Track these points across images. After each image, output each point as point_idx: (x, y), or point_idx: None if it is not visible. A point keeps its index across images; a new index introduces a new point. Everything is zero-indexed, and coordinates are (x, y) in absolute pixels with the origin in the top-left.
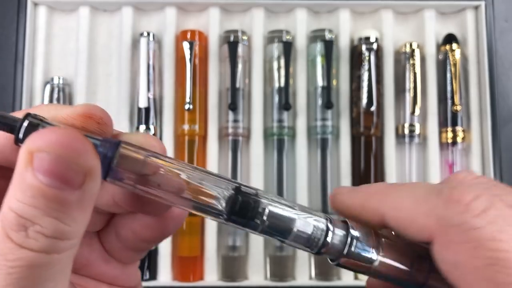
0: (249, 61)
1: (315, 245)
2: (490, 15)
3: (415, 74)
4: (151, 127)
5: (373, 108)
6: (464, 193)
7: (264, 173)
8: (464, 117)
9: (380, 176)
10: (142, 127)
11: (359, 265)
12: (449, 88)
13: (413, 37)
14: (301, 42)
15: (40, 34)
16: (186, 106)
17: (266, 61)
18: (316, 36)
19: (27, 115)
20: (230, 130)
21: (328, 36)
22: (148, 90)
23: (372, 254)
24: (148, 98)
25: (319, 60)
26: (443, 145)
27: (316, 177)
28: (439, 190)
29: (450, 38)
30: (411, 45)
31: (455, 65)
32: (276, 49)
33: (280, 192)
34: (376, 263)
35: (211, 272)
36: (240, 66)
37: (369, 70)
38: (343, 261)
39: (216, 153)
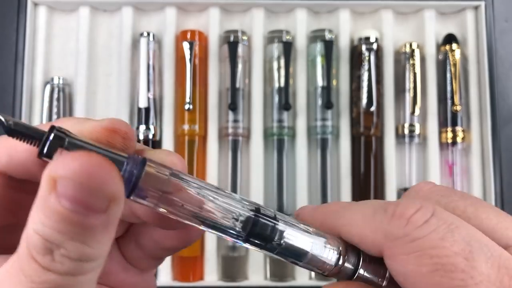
0: (249, 61)
1: (328, 268)
2: (490, 15)
3: (415, 74)
4: (151, 127)
5: (373, 108)
6: (407, 207)
7: (264, 173)
8: (464, 117)
9: (380, 176)
10: (142, 127)
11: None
12: (449, 88)
13: (413, 37)
14: (301, 42)
15: (40, 34)
16: (186, 106)
17: (266, 61)
18: (316, 36)
19: (52, 128)
20: (230, 130)
21: (328, 36)
22: (148, 90)
23: (379, 280)
24: (148, 98)
25: (319, 60)
26: (443, 145)
27: (316, 177)
28: (385, 208)
29: (450, 38)
30: (411, 45)
31: (455, 65)
32: (276, 49)
33: (280, 192)
34: (385, 284)
35: (211, 272)
36: (240, 66)
37: (369, 70)
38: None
39: (216, 153)
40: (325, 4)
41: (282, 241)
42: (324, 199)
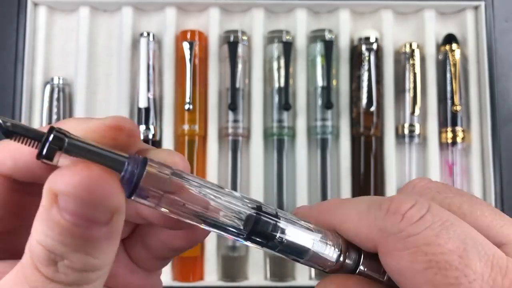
0: (249, 61)
1: (329, 265)
2: (490, 15)
3: (415, 74)
4: (151, 127)
5: (373, 108)
6: (402, 203)
7: (264, 173)
8: (464, 117)
9: (380, 176)
10: (142, 127)
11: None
12: (449, 88)
13: (413, 37)
14: (301, 42)
15: (40, 34)
16: (186, 106)
17: (266, 61)
18: (316, 36)
19: (52, 129)
20: (230, 130)
21: (328, 36)
22: (148, 90)
23: (380, 276)
24: (148, 98)
25: (319, 60)
26: (443, 145)
27: (316, 177)
28: (380, 203)
29: (450, 38)
30: (411, 45)
31: (455, 65)
32: (276, 49)
33: (280, 192)
34: (385, 279)
35: (211, 272)
36: (240, 66)
37: (369, 70)
38: None
39: (216, 153)
40: (325, 4)
41: (283, 239)
42: (324, 199)
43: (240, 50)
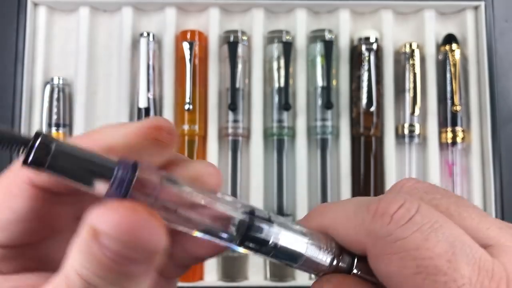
0: (249, 61)
1: (323, 269)
2: (490, 15)
3: (415, 74)
4: None
5: (373, 108)
6: (389, 204)
7: (264, 173)
8: (464, 117)
9: (380, 176)
10: None
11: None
12: (449, 88)
13: (413, 37)
14: (301, 42)
15: (40, 34)
16: (186, 106)
17: (266, 61)
18: (316, 36)
19: (38, 135)
20: (230, 130)
21: (328, 36)
22: (148, 90)
23: (375, 278)
24: (148, 98)
25: (319, 60)
26: (443, 145)
27: (316, 177)
28: (368, 204)
29: (450, 38)
30: (411, 45)
31: (455, 65)
32: (276, 49)
33: (280, 192)
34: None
35: (211, 272)
36: (240, 66)
37: (369, 70)
38: None
39: (216, 153)
40: (325, 4)
41: (277, 244)
42: (324, 199)
43: (240, 50)
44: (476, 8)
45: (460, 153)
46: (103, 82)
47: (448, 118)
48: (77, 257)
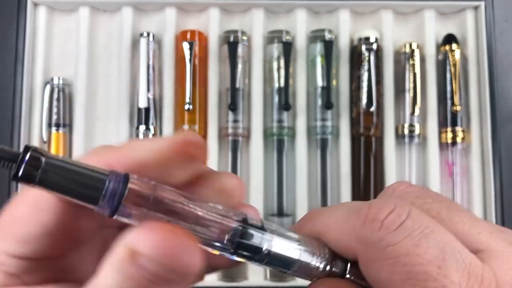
0: (249, 61)
1: (316, 275)
2: (490, 15)
3: (415, 74)
4: (151, 127)
5: (373, 108)
6: (380, 209)
7: (264, 173)
8: (464, 117)
9: (380, 176)
10: (142, 128)
11: None
12: (449, 88)
13: (413, 37)
14: (301, 42)
15: (40, 34)
16: (186, 106)
17: (266, 61)
18: (316, 36)
19: (27, 149)
20: (230, 130)
21: (328, 36)
22: (148, 90)
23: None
24: (148, 98)
25: (319, 60)
26: (443, 145)
27: (316, 177)
28: (358, 209)
29: (450, 38)
30: (411, 45)
31: (455, 65)
32: (276, 49)
33: (280, 192)
34: None
35: None
36: (240, 66)
37: (369, 70)
38: None
39: (216, 153)
40: (325, 4)
41: (270, 251)
42: (324, 199)
43: (240, 50)
44: (476, 8)
45: (460, 153)
46: (103, 82)
47: (448, 118)
48: (111, 275)
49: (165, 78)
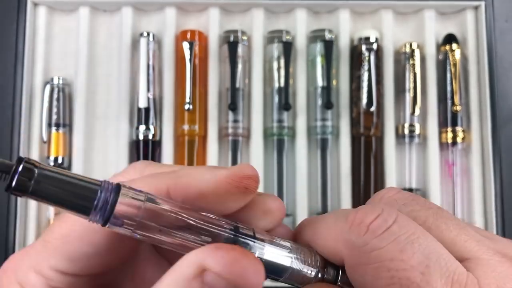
0: (249, 61)
1: (307, 282)
2: (490, 15)
3: (415, 74)
4: (151, 127)
5: (373, 108)
6: (367, 214)
7: (264, 173)
8: (464, 117)
9: (380, 176)
10: (142, 127)
11: None
12: (449, 88)
13: (413, 37)
14: (301, 42)
15: (40, 34)
16: (186, 106)
17: (266, 61)
18: (316, 36)
19: (20, 160)
20: (230, 130)
21: (328, 36)
22: (148, 90)
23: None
24: (148, 98)
25: (319, 60)
26: (443, 145)
27: (316, 177)
28: (346, 215)
29: (450, 38)
30: (411, 45)
31: (455, 65)
32: (276, 49)
33: (280, 192)
34: None
35: None
36: (240, 66)
37: (369, 70)
38: None
39: (216, 154)
40: (325, 4)
41: (262, 259)
42: (324, 199)
43: (240, 50)
44: (476, 8)
45: (460, 153)
46: (103, 82)
47: (448, 118)
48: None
49: (165, 78)
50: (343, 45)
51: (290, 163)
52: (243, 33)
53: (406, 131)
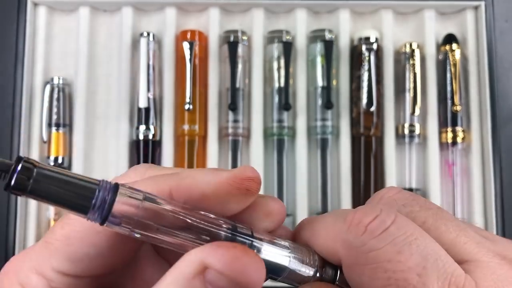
0: (249, 61)
1: (306, 281)
2: (490, 15)
3: (415, 74)
4: (151, 127)
5: (373, 108)
6: (365, 214)
7: (264, 173)
8: (464, 117)
9: (380, 176)
10: (142, 127)
11: None
12: (449, 88)
13: (413, 37)
14: (301, 42)
15: (40, 34)
16: (186, 106)
17: (266, 61)
18: (316, 36)
19: (19, 159)
20: (230, 130)
21: (328, 36)
22: (148, 90)
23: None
24: (148, 98)
25: (319, 60)
26: (443, 145)
27: (316, 177)
28: (345, 215)
29: (450, 38)
30: (411, 45)
31: (455, 65)
32: (276, 49)
33: (280, 192)
34: None
35: None
36: (240, 66)
37: (369, 70)
38: None
39: (216, 153)
40: (325, 4)
41: (261, 257)
42: (324, 199)
43: (240, 50)
44: (476, 8)
45: (460, 153)
46: (103, 82)
47: (448, 118)
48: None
49: (165, 78)
50: (343, 45)
51: (290, 163)
52: (243, 33)
53: (406, 131)
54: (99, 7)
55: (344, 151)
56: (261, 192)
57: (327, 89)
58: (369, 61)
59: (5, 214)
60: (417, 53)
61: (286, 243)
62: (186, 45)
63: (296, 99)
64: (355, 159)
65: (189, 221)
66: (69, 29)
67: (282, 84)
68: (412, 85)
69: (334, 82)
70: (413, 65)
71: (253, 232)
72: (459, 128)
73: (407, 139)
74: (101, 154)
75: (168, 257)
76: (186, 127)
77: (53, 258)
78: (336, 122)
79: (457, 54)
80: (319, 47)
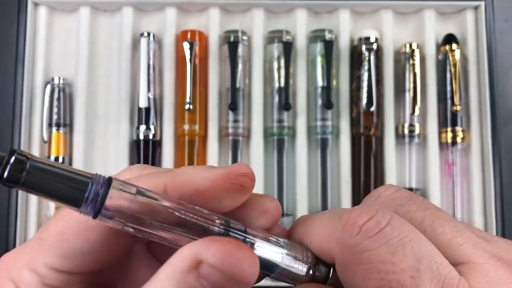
0: (249, 61)
1: (299, 279)
2: (490, 15)
3: (415, 74)
4: (151, 127)
5: (373, 108)
6: (361, 214)
7: (264, 173)
8: (464, 117)
9: (380, 176)
10: (142, 127)
11: None
12: (449, 88)
13: (413, 37)
14: (301, 42)
15: (41, 34)
16: (186, 106)
17: (266, 61)
18: (316, 36)
19: (13, 151)
20: (230, 130)
21: (328, 36)
22: (148, 90)
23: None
24: (148, 98)
25: (319, 60)
26: (443, 145)
27: (316, 177)
28: (340, 214)
29: (450, 38)
30: (411, 45)
31: (455, 65)
32: (276, 49)
33: (280, 192)
34: None
35: None
36: (240, 66)
37: (369, 70)
38: None
39: (216, 153)
40: (325, 4)
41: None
42: (324, 199)
43: (240, 50)
44: (476, 8)
45: (460, 153)
46: (103, 82)
47: (448, 118)
48: (167, 285)
49: (166, 78)
50: (343, 45)
51: (290, 163)
52: (243, 33)
53: (406, 131)
54: (99, 7)
55: (344, 151)
56: (261, 192)
57: (327, 89)
58: (369, 61)
59: (5, 213)
60: (417, 53)
61: (280, 240)
62: (186, 45)
63: (296, 99)
64: (355, 159)
65: (183, 216)
66: (69, 29)
67: (282, 84)
68: (412, 85)
69: (334, 82)
70: (413, 65)
71: (246, 228)
72: (459, 128)
73: (407, 139)
74: (101, 154)
75: (161, 258)
76: (186, 127)
77: (46, 254)
78: (336, 122)
79: (457, 54)
80: (319, 47)
